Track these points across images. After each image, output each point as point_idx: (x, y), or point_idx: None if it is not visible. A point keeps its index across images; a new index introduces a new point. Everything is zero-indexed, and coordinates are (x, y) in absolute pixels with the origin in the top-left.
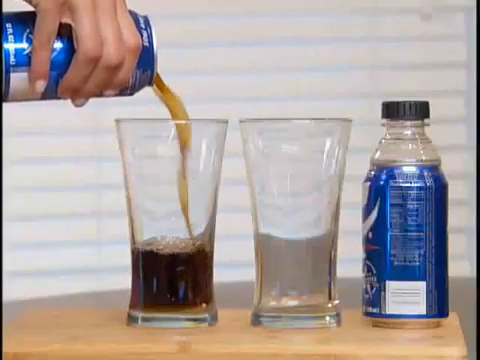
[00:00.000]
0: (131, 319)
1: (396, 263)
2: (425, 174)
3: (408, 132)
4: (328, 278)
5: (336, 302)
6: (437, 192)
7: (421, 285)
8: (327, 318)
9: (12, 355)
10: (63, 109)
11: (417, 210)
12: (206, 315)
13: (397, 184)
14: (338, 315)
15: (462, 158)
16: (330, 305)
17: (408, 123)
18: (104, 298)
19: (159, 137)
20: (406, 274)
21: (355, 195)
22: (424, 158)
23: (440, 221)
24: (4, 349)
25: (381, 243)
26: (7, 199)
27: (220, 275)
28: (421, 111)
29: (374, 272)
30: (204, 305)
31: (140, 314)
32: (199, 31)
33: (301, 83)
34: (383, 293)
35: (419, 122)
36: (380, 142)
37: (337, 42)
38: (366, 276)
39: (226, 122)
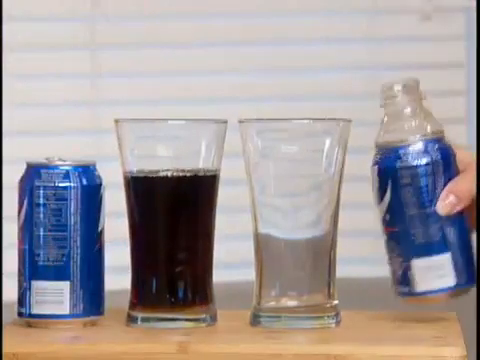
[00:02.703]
0: (131, 319)
1: (417, 242)
2: (430, 149)
3: (407, 109)
4: (328, 278)
5: (336, 302)
6: (445, 164)
7: (446, 257)
8: (327, 318)
9: (12, 355)
10: (63, 109)
11: (427, 186)
12: (206, 315)
13: (404, 164)
14: (338, 315)
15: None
16: (329, 305)
17: (405, 100)
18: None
19: (159, 137)
20: (429, 250)
21: (355, 195)
22: (426, 132)
23: None
24: (4, 349)
25: (400, 224)
26: (7, 199)
27: (220, 275)
28: (415, 87)
29: (398, 253)
30: (204, 305)
31: (139, 314)
32: (199, 31)
33: (301, 83)
34: (410, 272)
35: (415, 97)
36: (381, 123)
37: (337, 42)
38: (391, 257)
39: (226, 122)
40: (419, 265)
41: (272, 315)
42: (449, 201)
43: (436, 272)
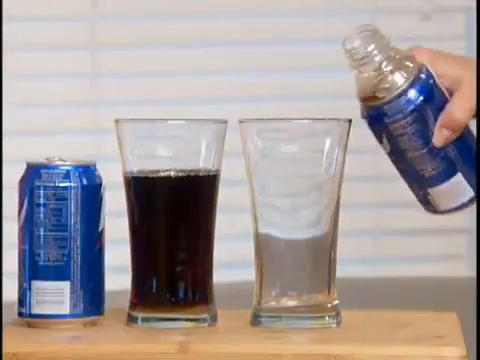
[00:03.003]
0: (131, 319)
1: (427, 175)
2: (411, 96)
3: (376, 60)
4: (328, 278)
5: (336, 302)
6: (430, 102)
7: (458, 178)
8: (327, 318)
9: (12, 355)
10: (63, 109)
11: (419, 130)
12: (206, 315)
13: (392, 119)
14: (338, 315)
15: None
16: (330, 305)
17: (370, 51)
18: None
19: (159, 137)
20: (440, 178)
21: (355, 195)
22: (403, 82)
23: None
24: (4, 349)
25: (405, 164)
26: (8, 199)
27: (220, 275)
28: (374, 32)
29: (413, 184)
30: (204, 305)
31: (140, 314)
32: (199, 31)
33: (301, 83)
34: (429, 197)
35: (379, 44)
36: (356, 77)
37: (337, 42)
38: (408, 185)
39: (226, 122)
40: (435, 192)
41: (272, 315)
42: (443, 135)
43: (453, 193)
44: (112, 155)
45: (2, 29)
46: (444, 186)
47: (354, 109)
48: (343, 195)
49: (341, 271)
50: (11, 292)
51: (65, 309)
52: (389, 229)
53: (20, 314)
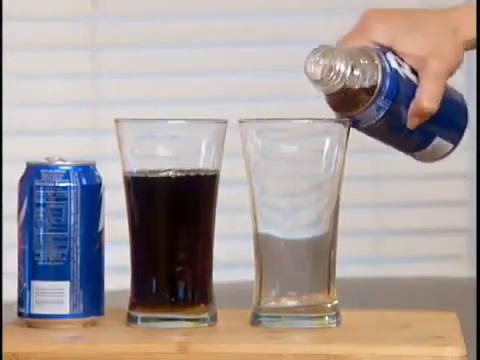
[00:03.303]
0: (131, 319)
1: (415, 145)
2: (380, 102)
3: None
4: (328, 278)
5: (336, 302)
6: (399, 98)
7: (438, 141)
8: (327, 318)
9: (12, 355)
10: (63, 109)
11: (397, 124)
12: (206, 315)
13: (367, 124)
14: (338, 315)
15: (462, 158)
16: (330, 305)
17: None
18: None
19: (159, 137)
20: (426, 142)
21: (355, 195)
22: (369, 97)
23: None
24: (4, 349)
25: (396, 144)
26: (8, 199)
27: (220, 275)
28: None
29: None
30: (204, 305)
31: (139, 314)
32: (199, 31)
33: (301, 83)
34: (426, 152)
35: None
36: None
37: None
38: None
39: (226, 122)
40: (417, 155)
41: (272, 315)
42: (415, 121)
43: (434, 152)
44: (112, 155)
45: (2, 29)
46: (425, 150)
47: None
48: (343, 195)
49: (341, 271)
50: (11, 292)
51: (65, 309)
52: (389, 229)
53: (20, 314)
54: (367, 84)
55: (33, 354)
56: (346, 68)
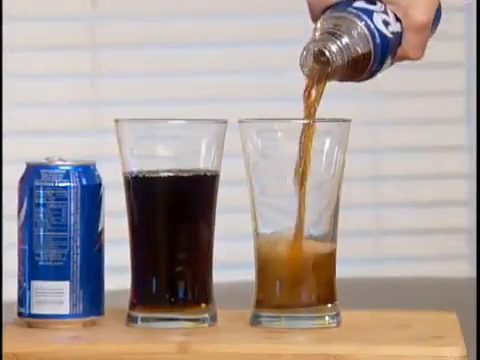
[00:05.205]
0: (130, 319)
1: None
2: (375, 67)
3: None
4: (328, 278)
5: (336, 302)
6: (388, 53)
7: None
8: (327, 318)
9: (12, 355)
10: (63, 109)
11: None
12: (206, 315)
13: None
14: (338, 315)
15: (462, 158)
16: (330, 305)
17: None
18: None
19: (159, 137)
20: None
21: (355, 195)
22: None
23: None
24: (4, 349)
25: None
26: (8, 199)
27: (220, 275)
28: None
29: None
30: (204, 305)
31: (139, 314)
32: (199, 31)
33: (301, 83)
34: None
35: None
36: None
37: None
38: None
39: (226, 122)
40: None
41: (272, 315)
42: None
43: None
44: (112, 155)
45: (2, 29)
46: None
47: (354, 109)
48: (343, 195)
49: (341, 271)
50: (11, 292)
51: (65, 309)
52: (389, 229)
53: (20, 314)
54: (362, 49)
55: (33, 354)
56: (337, 43)
